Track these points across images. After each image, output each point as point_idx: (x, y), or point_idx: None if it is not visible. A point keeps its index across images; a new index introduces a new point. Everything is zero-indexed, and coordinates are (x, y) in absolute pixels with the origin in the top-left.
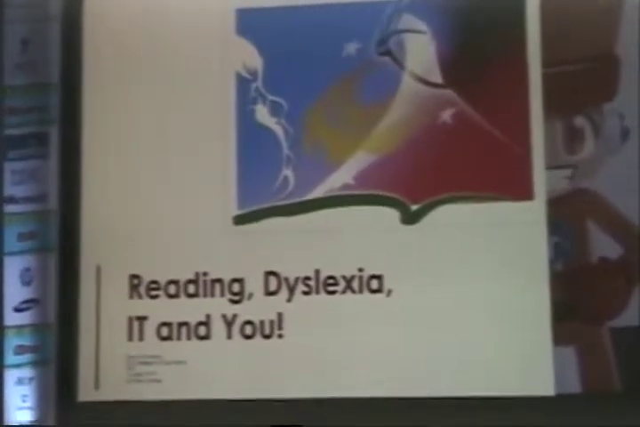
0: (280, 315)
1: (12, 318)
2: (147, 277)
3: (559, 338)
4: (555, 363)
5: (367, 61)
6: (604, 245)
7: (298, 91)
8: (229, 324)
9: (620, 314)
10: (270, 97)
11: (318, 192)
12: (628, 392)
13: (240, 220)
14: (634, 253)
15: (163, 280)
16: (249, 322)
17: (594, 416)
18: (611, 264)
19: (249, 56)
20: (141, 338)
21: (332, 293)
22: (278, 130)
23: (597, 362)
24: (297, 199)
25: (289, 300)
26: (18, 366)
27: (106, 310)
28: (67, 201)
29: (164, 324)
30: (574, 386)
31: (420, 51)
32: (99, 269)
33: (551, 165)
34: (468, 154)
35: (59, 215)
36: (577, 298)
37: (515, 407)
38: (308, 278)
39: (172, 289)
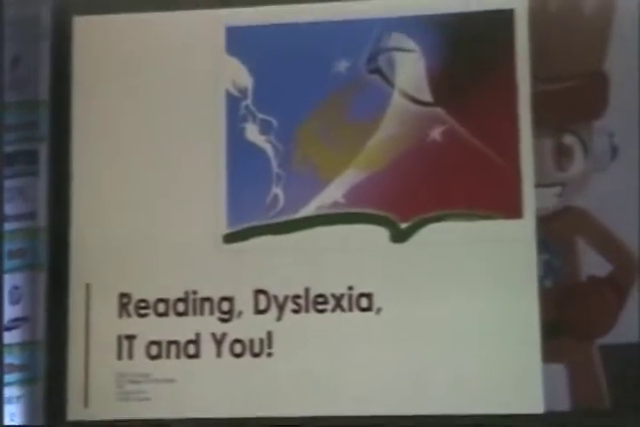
0: (269, 333)
1: None
2: (136, 296)
3: (548, 355)
4: (544, 380)
5: (357, 79)
6: (593, 263)
7: (288, 109)
8: (219, 342)
9: (609, 331)
10: (260, 115)
11: (308, 210)
12: (616, 410)
13: (230, 238)
14: (623, 270)
15: (152, 299)
16: (238, 340)
17: None
18: (600, 282)
19: (239, 74)
20: (131, 356)
21: (322, 311)
22: (268, 148)
23: (586, 379)
24: (287, 218)
25: (278, 318)
26: (6, 384)
27: (95, 328)
28: (56, 219)
29: (154, 342)
30: (563, 403)
31: (410, 69)
32: (88, 288)
33: (540, 183)
34: (457, 172)
35: (48, 233)
36: (566, 315)
37: (504, 425)
38: (297, 297)
39: (162, 307)
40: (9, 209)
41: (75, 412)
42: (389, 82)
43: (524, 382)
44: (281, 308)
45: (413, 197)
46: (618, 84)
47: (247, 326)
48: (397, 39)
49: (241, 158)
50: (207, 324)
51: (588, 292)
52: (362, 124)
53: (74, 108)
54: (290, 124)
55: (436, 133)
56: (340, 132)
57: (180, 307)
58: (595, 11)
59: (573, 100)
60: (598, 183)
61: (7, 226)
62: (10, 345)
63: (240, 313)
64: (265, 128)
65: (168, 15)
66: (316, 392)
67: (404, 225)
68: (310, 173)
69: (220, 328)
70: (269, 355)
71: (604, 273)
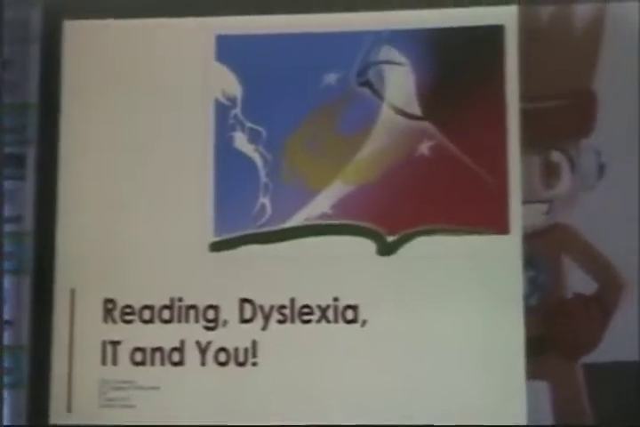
0: (254, 342)
1: None
2: (121, 302)
3: (532, 372)
4: (528, 397)
5: (347, 92)
6: (578, 281)
7: (277, 119)
8: (203, 350)
9: (594, 350)
10: (249, 124)
11: (295, 221)
12: None
13: (216, 247)
14: (608, 288)
15: (137, 305)
16: (223, 349)
17: None
18: (585, 300)
19: (228, 83)
20: (115, 363)
21: (307, 322)
22: (256, 157)
23: (570, 397)
24: (274, 227)
25: (264, 328)
26: None
27: (79, 333)
28: (42, 223)
29: (138, 349)
30: (547, 420)
31: (399, 82)
32: (73, 293)
33: (527, 200)
34: (445, 187)
35: (33, 237)
36: (551, 332)
37: None
38: (283, 307)
39: (147, 314)
40: None
41: (57, 416)
42: (379, 95)
43: (508, 398)
44: (266, 317)
45: (401, 210)
46: (606, 102)
47: (232, 335)
48: (387, 52)
49: (229, 167)
50: (192, 331)
51: (573, 309)
52: (351, 137)
53: (62, 112)
54: (279, 134)
55: (424, 148)
56: (329, 144)
57: (166, 314)
58: (585, 29)
59: (562, 117)
60: (585, 201)
61: None
62: None
63: (225, 322)
64: (254, 137)
65: (158, 22)
66: (300, 402)
67: (390, 238)
68: (298, 184)
69: (204, 336)
70: (254, 364)
71: (590, 291)
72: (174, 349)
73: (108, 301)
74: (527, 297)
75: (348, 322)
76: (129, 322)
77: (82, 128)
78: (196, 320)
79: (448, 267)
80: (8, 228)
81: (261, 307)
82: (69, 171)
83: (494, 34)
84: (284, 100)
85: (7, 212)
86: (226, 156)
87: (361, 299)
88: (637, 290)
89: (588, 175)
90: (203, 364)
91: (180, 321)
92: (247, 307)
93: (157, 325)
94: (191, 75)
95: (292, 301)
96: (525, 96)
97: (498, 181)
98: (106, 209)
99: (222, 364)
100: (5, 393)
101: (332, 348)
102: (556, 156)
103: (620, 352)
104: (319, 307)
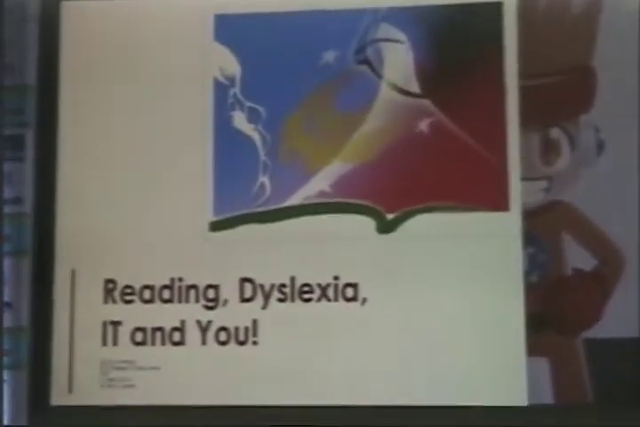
0: (255, 322)
1: None
2: (121, 282)
3: (533, 349)
4: (528, 374)
5: (345, 70)
6: (578, 257)
7: (276, 98)
8: (204, 330)
9: (594, 326)
10: (248, 103)
11: (295, 200)
12: (600, 404)
13: (216, 226)
14: (608, 265)
15: (137, 285)
16: (223, 328)
17: None
18: (585, 276)
19: (227, 62)
20: (115, 343)
21: (308, 300)
22: (255, 136)
23: (571, 373)
24: (273, 206)
25: (264, 307)
26: None
27: (80, 314)
28: (42, 204)
29: (139, 329)
30: (547, 397)
31: (398, 60)
32: (73, 274)
33: (527, 177)
34: (444, 164)
35: (33, 219)
36: (551, 309)
37: (487, 417)
38: (283, 286)
39: (147, 294)
40: None
41: (58, 397)
42: (377, 73)
43: (508, 375)
44: (266, 296)
45: (400, 188)
46: (605, 78)
47: (232, 314)
48: (386, 30)
49: (228, 146)
50: (192, 311)
51: (573, 286)
52: (349, 116)
53: (61, 93)
54: (278, 113)
55: (423, 125)
56: (328, 122)
57: (166, 294)
58: (583, 6)
59: (561, 94)
60: (584, 178)
61: None
62: None
63: (225, 301)
64: (253, 117)
65: (156, 2)
66: (300, 381)
67: (390, 216)
68: (297, 163)
69: (205, 316)
70: (255, 343)
71: (590, 267)
72: (175, 329)
73: (109, 281)
74: (527, 274)
75: (348, 300)
76: (129, 302)
77: (80, 109)
78: (197, 300)
79: (448, 244)
80: (7, 209)
81: (261, 286)
82: (68, 152)
83: (493, 11)
84: (283, 79)
85: (6, 193)
86: (225, 135)
87: (361, 277)
88: (637, 266)
89: (588, 152)
90: (203, 343)
91: (180, 301)
92: (247, 286)
93: (158, 305)
94: (190, 54)
95: (293, 279)
96: (524, 73)
97: (497, 158)
98: (105, 190)
99: (223, 343)
100: (6, 375)
101: (333, 326)
102: (555, 132)
103: (621, 328)
104: (319, 285)
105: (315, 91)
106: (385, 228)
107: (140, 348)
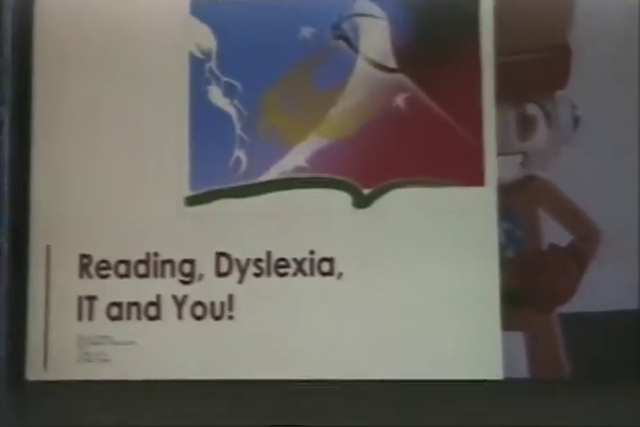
0: (231, 296)
1: None
2: (97, 257)
3: (508, 323)
4: (504, 348)
5: (323, 46)
6: (554, 233)
7: (253, 73)
8: (180, 305)
9: (569, 300)
10: (224, 78)
11: (271, 174)
12: (575, 378)
13: (192, 201)
14: (583, 240)
15: (113, 260)
16: (199, 303)
17: (541, 401)
18: (560, 251)
19: (203, 36)
20: (91, 318)
21: (283, 275)
22: (231, 111)
23: (546, 348)
24: (249, 181)
25: (240, 281)
26: None
27: (55, 289)
28: (17, 180)
29: (114, 304)
30: (523, 371)
31: (375, 35)
32: (48, 249)
33: (503, 152)
34: (420, 139)
35: (8, 195)
36: (527, 284)
37: (463, 390)
38: (259, 260)
39: (123, 269)
40: None
41: (34, 372)
42: (354, 48)
43: (484, 349)
44: (242, 271)
45: (376, 163)
46: (581, 55)
47: (208, 289)
48: (363, 5)
49: (204, 121)
50: (168, 286)
51: (548, 261)
52: (327, 91)
53: (35, 71)
54: (255, 89)
55: (399, 100)
56: (306, 98)
57: (142, 269)
58: None
59: (537, 71)
60: (560, 153)
61: None
62: None
63: (201, 276)
64: (229, 91)
65: None
66: (275, 355)
67: (366, 191)
68: (274, 138)
69: (181, 290)
70: (230, 318)
71: (565, 243)
72: (150, 303)
73: (84, 256)
74: (503, 249)
75: (324, 275)
76: (105, 277)
77: (55, 86)
78: (172, 275)
79: (424, 218)
80: None
81: (237, 261)
82: (43, 129)
83: None
84: (260, 55)
85: None
86: (201, 109)
87: (337, 252)
88: (613, 241)
89: (563, 128)
90: (179, 318)
91: (155, 276)
92: (223, 261)
93: (133, 279)
94: (166, 29)
95: (268, 254)
96: (501, 50)
97: (473, 134)
98: (81, 165)
99: (199, 318)
100: None
101: (309, 301)
102: (531, 108)
103: (596, 303)
104: (295, 260)
105: (292, 67)
106: (361, 203)
107: (116, 323)
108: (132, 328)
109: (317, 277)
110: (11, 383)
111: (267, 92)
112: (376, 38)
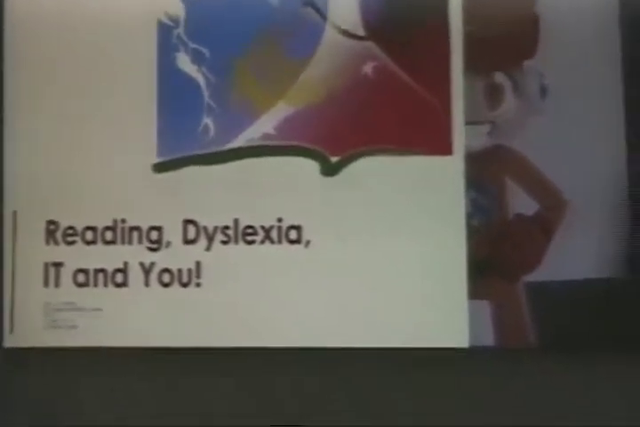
0: (198, 264)
1: None
2: (64, 223)
3: (475, 292)
4: (470, 316)
5: (291, 13)
6: (520, 202)
7: (222, 40)
8: (147, 272)
9: (535, 269)
10: (192, 45)
11: (238, 142)
12: (541, 347)
13: (159, 168)
14: (549, 209)
15: (80, 226)
16: (167, 270)
17: (507, 370)
18: (527, 221)
19: (171, 3)
20: (57, 284)
21: (251, 242)
22: (199, 78)
23: (512, 316)
24: (217, 148)
25: (207, 249)
26: None
27: (22, 255)
28: None
29: (81, 270)
30: (488, 339)
31: (343, 2)
32: (15, 215)
33: (470, 121)
34: (388, 107)
35: None
36: (493, 253)
37: (428, 358)
38: (226, 228)
39: (90, 236)
40: None
41: (0, 339)
42: (322, 15)
43: (450, 317)
44: (210, 238)
45: (344, 131)
46: (549, 25)
47: (176, 256)
48: None
49: (172, 87)
50: (135, 253)
51: (514, 230)
52: (296, 59)
53: (5, 38)
54: (223, 56)
55: (368, 69)
56: (274, 66)
57: (109, 235)
58: None
59: (505, 40)
60: (527, 123)
61: None
62: None
63: (169, 243)
64: (197, 58)
65: None
66: (243, 323)
67: (334, 159)
68: (242, 106)
69: (148, 257)
70: (198, 285)
71: (532, 212)
72: (117, 270)
73: (51, 222)
74: (469, 218)
75: (292, 242)
76: (71, 243)
77: (26, 53)
78: (140, 241)
79: (391, 187)
80: None
81: (205, 228)
82: (13, 94)
83: None
84: (229, 22)
85: None
86: (169, 76)
87: (304, 219)
88: (579, 211)
89: (531, 97)
90: (146, 285)
91: (123, 242)
92: (191, 228)
93: (100, 246)
94: None
95: (236, 221)
96: (469, 18)
97: (441, 102)
98: (48, 131)
99: (166, 285)
100: None
101: (276, 268)
102: (499, 77)
103: (562, 272)
104: (263, 228)
105: (261, 34)
106: (329, 170)
107: (83, 289)
108: (99, 295)
109: (285, 244)
110: None
111: (236, 60)
112: (345, 6)
